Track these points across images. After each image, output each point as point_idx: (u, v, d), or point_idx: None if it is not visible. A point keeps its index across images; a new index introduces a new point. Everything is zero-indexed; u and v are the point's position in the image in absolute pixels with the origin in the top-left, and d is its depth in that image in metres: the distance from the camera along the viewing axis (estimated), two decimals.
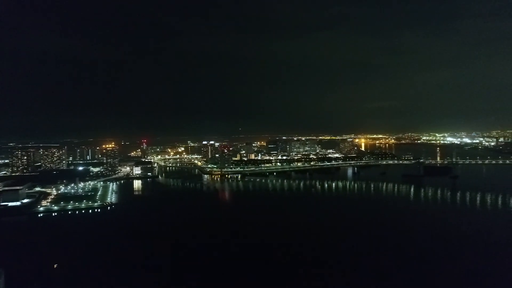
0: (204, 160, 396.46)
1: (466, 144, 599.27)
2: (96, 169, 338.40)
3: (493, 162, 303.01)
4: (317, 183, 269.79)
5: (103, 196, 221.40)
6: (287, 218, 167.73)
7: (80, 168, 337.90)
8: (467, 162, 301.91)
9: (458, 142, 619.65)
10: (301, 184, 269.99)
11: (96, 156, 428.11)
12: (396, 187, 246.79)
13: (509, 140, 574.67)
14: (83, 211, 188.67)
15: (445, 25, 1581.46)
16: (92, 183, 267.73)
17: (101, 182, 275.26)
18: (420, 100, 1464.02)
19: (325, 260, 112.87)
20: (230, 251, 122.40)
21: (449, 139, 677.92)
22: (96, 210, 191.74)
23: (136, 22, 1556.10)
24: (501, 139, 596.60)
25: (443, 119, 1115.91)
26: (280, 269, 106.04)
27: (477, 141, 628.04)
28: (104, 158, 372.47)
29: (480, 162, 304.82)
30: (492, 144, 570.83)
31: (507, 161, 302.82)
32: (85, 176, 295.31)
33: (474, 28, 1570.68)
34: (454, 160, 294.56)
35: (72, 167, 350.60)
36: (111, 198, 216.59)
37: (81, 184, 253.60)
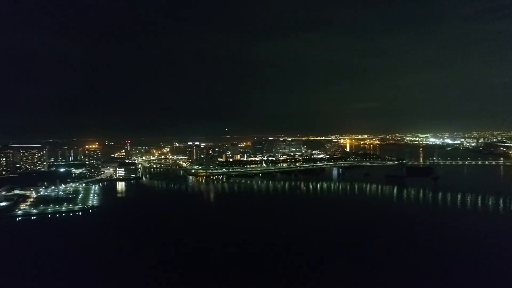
0: (189, 161, 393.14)
1: (448, 144, 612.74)
2: (78, 171, 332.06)
3: (473, 163, 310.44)
4: (302, 184, 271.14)
5: (85, 198, 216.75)
6: (270, 221, 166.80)
7: (62, 170, 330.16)
8: (448, 163, 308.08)
9: (440, 143, 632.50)
10: (286, 185, 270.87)
11: (78, 157, 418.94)
12: (379, 188, 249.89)
13: (488, 141, 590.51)
14: (63, 215, 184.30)
15: (427, 28, 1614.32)
16: (73, 185, 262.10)
17: (83, 184, 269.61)
18: (404, 101, 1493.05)
19: (306, 263, 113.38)
20: (213, 256, 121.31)
21: (432, 140, 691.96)
22: (77, 213, 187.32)
23: (119, 20, 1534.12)
24: (481, 140, 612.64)
25: (426, 120, 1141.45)
26: (262, 274, 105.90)
27: (459, 142, 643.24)
28: (87, 159, 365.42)
29: (460, 163, 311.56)
30: (473, 144, 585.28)
31: (486, 162, 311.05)
32: (67, 178, 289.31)
33: (456, 31, 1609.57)
34: (435, 161, 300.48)
35: (53, 169, 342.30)
36: (93, 200, 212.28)
37: (62, 186, 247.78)
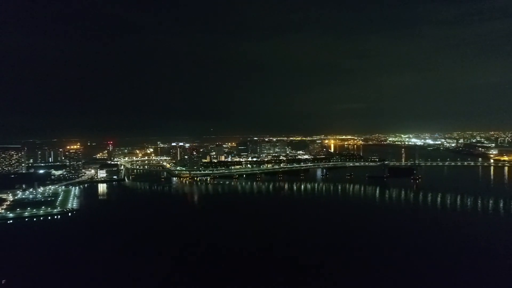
0: (173, 162, 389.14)
1: (429, 145, 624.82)
2: (58, 172, 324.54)
3: (452, 163, 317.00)
4: (286, 185, 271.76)
5: (64, 201, 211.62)
6: (253, 223, 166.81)
7: (41, 171, 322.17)
8: (428, 163, 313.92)
9: (422, 143, 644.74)
10: (270, 186, 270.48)
11: (59, 158, 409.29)
12: (362, 189, 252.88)
13: (468, 142, 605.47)
14: (41, 218, 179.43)
15: (409, 31, 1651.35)
16: (52, 187, 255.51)
17: (63, 187, 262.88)
18: (387, 102, 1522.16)
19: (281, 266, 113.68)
20: (194, 261, 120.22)
21: (413, 140, 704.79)
22: (55, 217, 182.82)
23: (104, 20, 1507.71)
24: (461, 140, 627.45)
25: (409, 120, 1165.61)
26: (248, 274, 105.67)
27: (439, 142, 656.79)
28: (67, 161, 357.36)
29: (440, 163, 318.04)
30: (453, 145, 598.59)
31: (465, 163, 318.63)
32: (46, 180, 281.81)
33: (437, 34, 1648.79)
34: (416, 161, 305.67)
35: (32, 170, 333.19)
36: (73, 203, 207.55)
37: (41, 189, 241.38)
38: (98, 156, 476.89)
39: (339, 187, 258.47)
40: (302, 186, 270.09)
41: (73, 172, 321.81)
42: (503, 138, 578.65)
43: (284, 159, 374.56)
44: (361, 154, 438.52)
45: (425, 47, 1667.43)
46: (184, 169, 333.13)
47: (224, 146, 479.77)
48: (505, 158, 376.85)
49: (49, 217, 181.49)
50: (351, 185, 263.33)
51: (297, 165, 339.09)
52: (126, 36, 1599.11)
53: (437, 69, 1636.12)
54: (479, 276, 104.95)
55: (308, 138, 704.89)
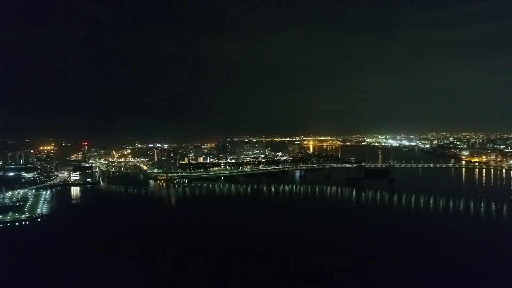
0: (150, 164, 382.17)
1: (405, 146, 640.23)
2: (29, 175, 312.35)
3: (426, 165, 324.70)
4: (264, 187, 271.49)
5: (34, 206, 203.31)
6: (228, 227, 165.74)
7: (10, 174, 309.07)
8: (403, 165, 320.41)
9: (397, 144, 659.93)
10: (248, 189, 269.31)
11: (30, 160, 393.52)
12: (339, 190, 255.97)
13: (441, 143, 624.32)
14: (8, 225, 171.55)
15: (386, 34, 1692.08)
16: (22, 191, 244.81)
17: (33, 190, 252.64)
18: (365, 103, 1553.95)
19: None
20: (168, 266, 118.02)
21: (390, 141, 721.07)
22: (24, 223, 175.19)
23: (80, 19, 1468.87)
24: (435, 142, 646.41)
25: (385, 121, 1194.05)
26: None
27: (414, 143, 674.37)
28: (39, 163, 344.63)
29: (414, 165, 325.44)
30: (427, 146, 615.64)
31: (438, 165, 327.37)
32: (15, 183, 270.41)
33: (412, 38, 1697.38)
34: (391, 163, 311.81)
35: (1, 173, 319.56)
36: (43, 208, 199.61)
37: (9, 193, 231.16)
38: (73, 157, 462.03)
39: (317, 189, 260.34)
40: (280, 188, 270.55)
41: (45, 174, 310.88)
42: (474, 139, 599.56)
43: (263, 160, 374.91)
44: (339, 155, 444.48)
45: (401, 50, 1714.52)
46: (161, 171, 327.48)
47: (203, 147, 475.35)
48: (476, 159, 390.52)
49: (17, 223, 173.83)
50: (329, 187, 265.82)
51: (275, 167, 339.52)
52: (104, 35, 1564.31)
53: (414, 71, 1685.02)
54: (445, 274, 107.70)
55: (288, 139, 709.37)
